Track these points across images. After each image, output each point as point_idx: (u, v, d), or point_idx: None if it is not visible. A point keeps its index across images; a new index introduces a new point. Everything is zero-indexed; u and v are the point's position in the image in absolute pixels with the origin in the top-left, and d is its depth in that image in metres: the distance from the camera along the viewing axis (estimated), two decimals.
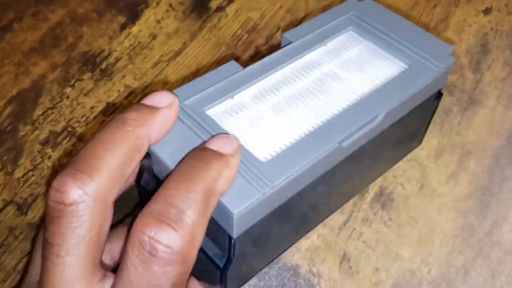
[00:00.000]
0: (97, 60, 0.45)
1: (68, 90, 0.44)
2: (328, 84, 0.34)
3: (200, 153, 0.27)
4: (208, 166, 0.26)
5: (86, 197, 0.25)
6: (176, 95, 0.29)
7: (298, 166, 0.29)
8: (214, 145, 0.28)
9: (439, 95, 0.38)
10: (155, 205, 0.24)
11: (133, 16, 0.48)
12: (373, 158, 0.37)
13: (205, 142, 0.29)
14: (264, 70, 0.34)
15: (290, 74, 0.35)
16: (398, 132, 0.36)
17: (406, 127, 0.37)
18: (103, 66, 0.45)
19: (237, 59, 0.44)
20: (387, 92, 0.33)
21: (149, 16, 0.49)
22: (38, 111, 0.43)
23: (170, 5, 0.49)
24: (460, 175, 0.41)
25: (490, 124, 0.44)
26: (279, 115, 0.32)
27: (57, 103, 0.43)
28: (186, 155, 0.28)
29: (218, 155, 0.27)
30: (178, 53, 0.46)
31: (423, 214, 0.39)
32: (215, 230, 0.28)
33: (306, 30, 0.37)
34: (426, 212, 0.39)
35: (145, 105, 0.28)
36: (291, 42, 0.36)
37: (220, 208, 0.27)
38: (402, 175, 0.41)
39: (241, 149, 0.28)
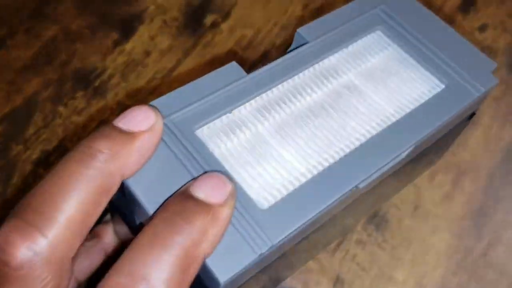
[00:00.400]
0: (90, 78, 0.45)
1: (61, 108, 0.43)
2: (345, 100, 0.29)
3: (181, 205, 0.22)
4: (189, 226, 0.21)
5: (37, 259, 0.20)
6: (159, 113, 0.24)
7: (306, 218, 0.24)
8: (200, 192, 0.22)
9: (472, 114, 0.34)
10: (119, 279, 0.19)
11: (127, 32, 0.48)
12: (387, 187, 0.34)
13: (191, 181, 0.23)
14: (271, 77, 0.28)
15: (301, 83, 0.29)
16: (421, 158, 0.32)
17: (430, 152, 0.33)
18: (96, 84, 0.45)
19: None
20: (417, 121, 0.28)
21: (142, 32, 0.48)
22: (31, 130, 0.42)
23: (164, 21, 0.49)
24: (455, 196, 0.41)
25: (485, 143, 0.44)
26: (285, 138, 0.27)
27: (49, 122, 0.43)
28: (164, 202, 0.23)
29: (205, 207, 0.21)
30: (172, 70, 0.46)
31: (417, 236, 0.39)
32: (194, 280, 0.22)
33: (325, 27, 0.31)
34: (420, 233, 0.39)
35: (119, 130, 0.23)
36: (305, 41, 0.31)
37: (205, 269, 0.22)
38: (396, 196, 0.40)
39: (235, 193, 0.23)
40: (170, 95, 0.27)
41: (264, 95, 0.28)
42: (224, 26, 0.49)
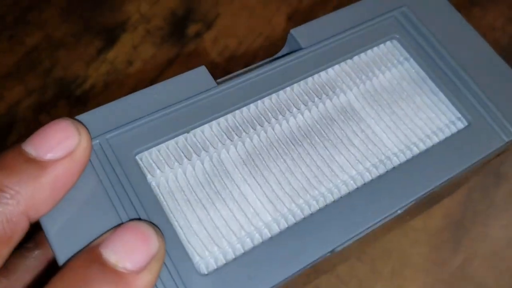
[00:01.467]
0: (73, 87, 0.45)
1: (43, 117, 0.43)
2: (338, 128, 0.23)
3: (83, 270, 0.16)
4: None
5: None
6: (85, 131, 0.18)
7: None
8: (111, 253, 0.16)
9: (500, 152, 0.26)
10: None
11: (110, 41, 0.48)
12: (380, 231, 0.26)
13: (107, 233, 0.18)
14: (249, 90, 0.22)
15: (287, 100, 0.23)
16: (430, 199, 0.25)
17: (443, 192, 0.27)
18: (78, 93, 0.45)
19: None
20: (425, 167, 0.22)
21: (126, 41, 0.48)
22: (13, 138, 0.42)
23: (148, 30, 0.49)
24: (434, 209, 0.41)
25: None
26: (253, 172, 0.21)
27: (32, 130, 0.42)
28: (72, 258, 0.17)
29: (112, 276, 0.16)
30: (154, 80, 0.46)
31: (397, 248, 0.39)
32: None
33: (326, 30, 0.25)
34: (400, 246, 0.39)
35: (26, 159, 0.18)
36: (299, 47, 0.25)
37: None
38: None
39: (163, 254, 0.17)
40: (110, 107, 0.21)
41: (237, 112, 0.22)
42: (208, 36, 0.49)
